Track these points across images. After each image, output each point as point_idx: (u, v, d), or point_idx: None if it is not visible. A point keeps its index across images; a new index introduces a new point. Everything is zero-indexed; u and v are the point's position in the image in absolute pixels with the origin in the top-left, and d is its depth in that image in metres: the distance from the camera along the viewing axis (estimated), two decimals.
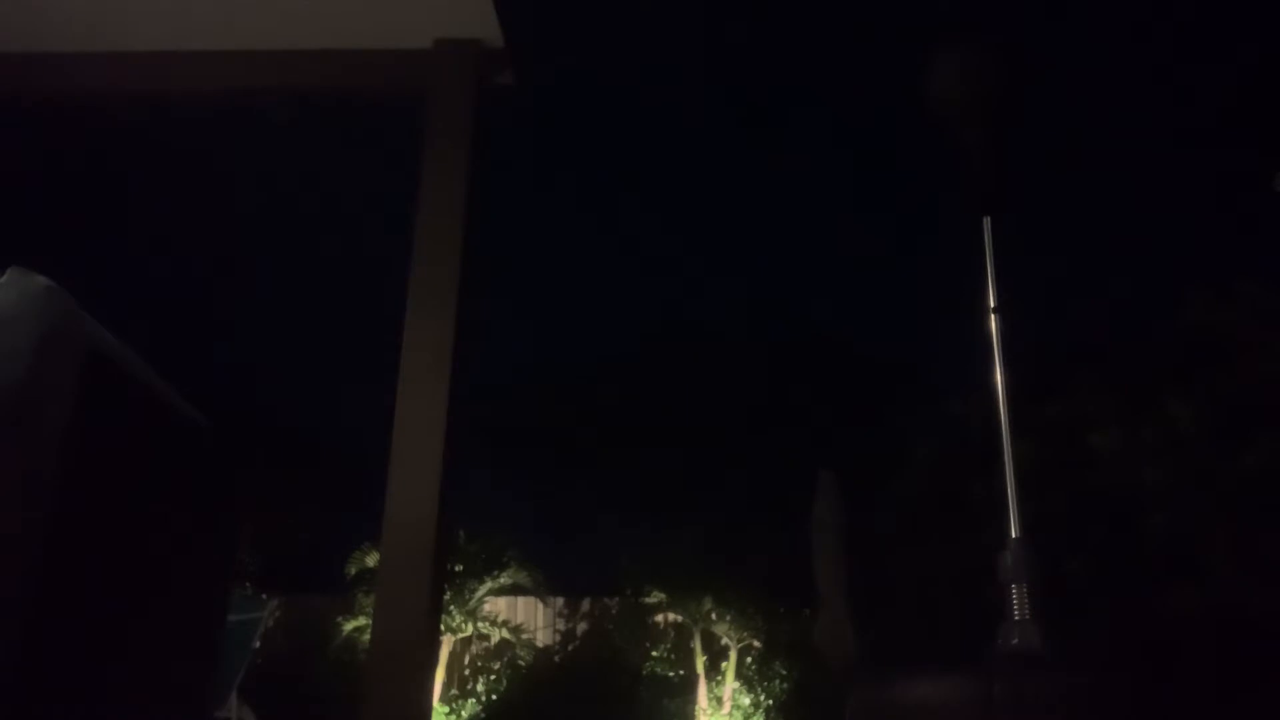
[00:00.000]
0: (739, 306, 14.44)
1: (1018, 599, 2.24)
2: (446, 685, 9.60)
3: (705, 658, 9.40)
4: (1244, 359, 6.24)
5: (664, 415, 10.46)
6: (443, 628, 7.86)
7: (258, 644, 6.93)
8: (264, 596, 8.32)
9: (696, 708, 9.19)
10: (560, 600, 10.21)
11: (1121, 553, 6.14)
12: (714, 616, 9.32)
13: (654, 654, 9.55)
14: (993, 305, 2.59)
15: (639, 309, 16.10)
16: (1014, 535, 2.35)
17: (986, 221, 2.63)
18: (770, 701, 9.17)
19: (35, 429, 1.18)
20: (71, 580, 1.27)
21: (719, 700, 9.22)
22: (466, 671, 9.82)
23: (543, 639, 10.06)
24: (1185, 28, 12.91)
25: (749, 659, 9.40)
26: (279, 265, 14.05)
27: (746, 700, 9.21)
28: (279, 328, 14.23)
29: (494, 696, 9.56)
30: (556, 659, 9.96)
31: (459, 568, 9.28)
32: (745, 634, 9.34)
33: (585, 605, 10.22)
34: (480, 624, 9.66)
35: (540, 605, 10.15)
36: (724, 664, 9.39)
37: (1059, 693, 2.00)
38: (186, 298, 13.69)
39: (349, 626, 9.30)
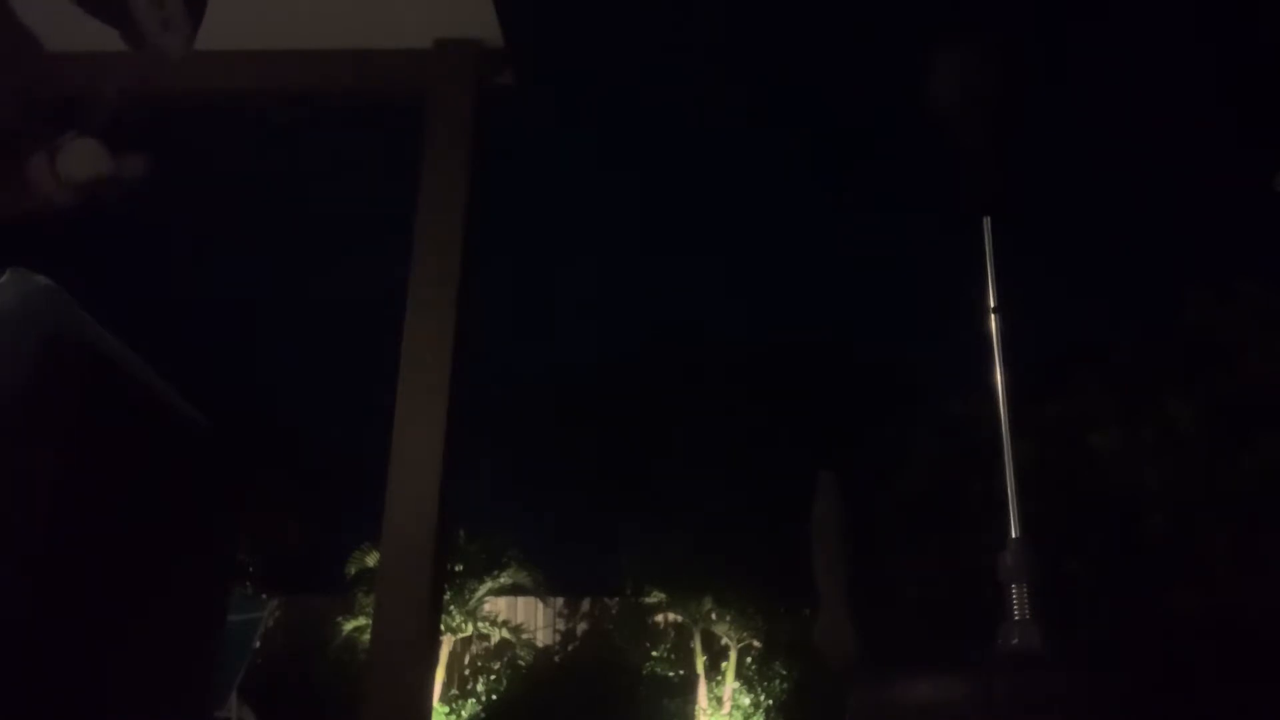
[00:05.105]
0: (739, 306, 14.45)
1: (1018, 599, 2.24)
2: (446, 685, 9.59)
3: (705, 658, 9.39)
4: (1244, 359, 6.24)
5: (664, 416, 10.45)
6: (443, 628, 7.87)
7: (258, 644, 6.93)
8: (264, 596, 8.32)
9: (696, 708, 9.19)
10: (560, 600, 10.20)
11: (1122, 553, 6.14)
12: (714, 616, 9.31)
13: (654, 654, 9.54)
14: (993, 305, 2.59)
15: (640, 309, 16.10)
16: (1014, 535, 2.35)
17: (986, 222, 2.63)
18: (770, 701, 9.16)
19: (35, 429, 1.18)
20: (71, 580, 1.27)
21: (719, 700, 9.21)
22: (466, 671, 9.82)
23: (543, 639, 10.06)
24: (1185, 26, 12.92)
25: (749, 659, 9.40)
26: (279, 265, 14.05)
27: (746, 700, 9.21)
28: (279, 327, 14.23)
29: (494, 696, 9.56)
30: (556, 659, 9.96)
31: (459, 568, 9.27)
32: (745, 634, 9.34)
33: (585, 605, 10.22)
34: (480, 624, 9.66)
35: (540, 605, 10.14)
36: (724, 664, 9.38)
37: (1059, 693, 2.00)
38: (187, 298, 13.68)
39: (349, 626, 9.29)
